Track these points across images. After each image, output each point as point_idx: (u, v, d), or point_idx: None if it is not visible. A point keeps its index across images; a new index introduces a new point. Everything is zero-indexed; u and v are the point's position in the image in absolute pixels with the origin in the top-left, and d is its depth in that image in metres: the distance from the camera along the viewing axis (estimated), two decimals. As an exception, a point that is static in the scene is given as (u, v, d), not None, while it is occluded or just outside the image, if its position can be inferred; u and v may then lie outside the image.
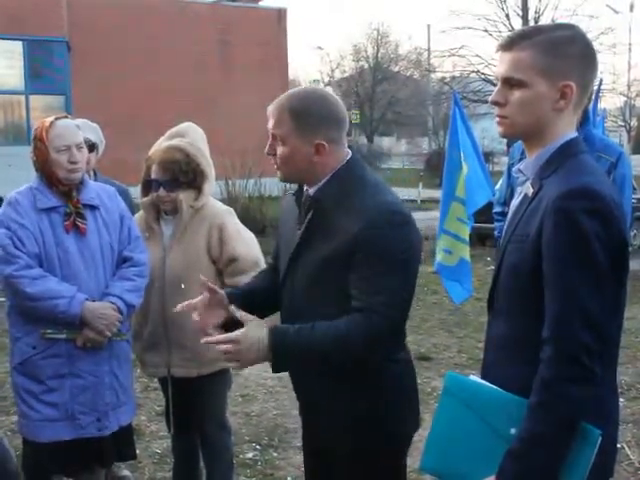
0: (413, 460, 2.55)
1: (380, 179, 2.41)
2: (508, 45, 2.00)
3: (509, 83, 1.99)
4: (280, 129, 2.31)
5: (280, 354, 2.22)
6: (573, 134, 2.02)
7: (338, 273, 2.24)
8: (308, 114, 2.29)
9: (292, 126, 2.29)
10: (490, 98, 2.06)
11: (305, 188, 2.44)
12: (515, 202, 2.14)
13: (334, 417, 2.41)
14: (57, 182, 3.27)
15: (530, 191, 2.02)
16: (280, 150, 2.33)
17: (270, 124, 2.35)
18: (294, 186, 2.56)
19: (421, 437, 2.43)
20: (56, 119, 3.32)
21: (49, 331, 3.21)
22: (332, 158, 2.34)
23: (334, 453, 2.48)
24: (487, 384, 2.04)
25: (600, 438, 1.87)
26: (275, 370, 2.28)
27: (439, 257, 6.65)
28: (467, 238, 6.56)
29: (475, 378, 2.12)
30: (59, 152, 3.24)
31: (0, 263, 3.18)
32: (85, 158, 3.37)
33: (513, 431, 1.92)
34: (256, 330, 2.22)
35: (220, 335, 2.30)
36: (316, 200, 2.35)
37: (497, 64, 2.06)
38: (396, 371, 2.42)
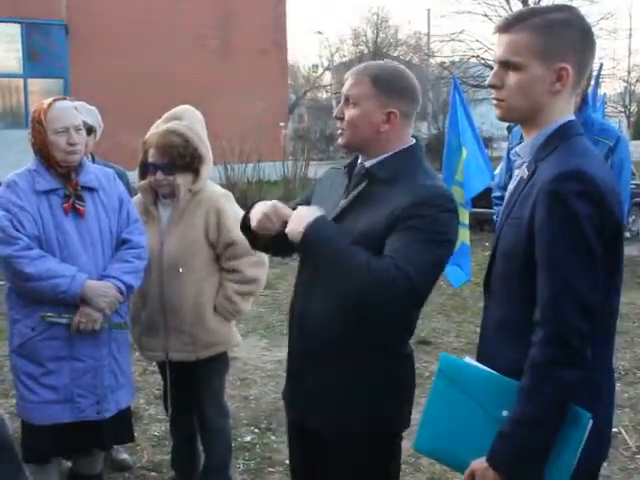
0: (410, 443, 2.55)
1: (434, 170, 2.45)
2: (505, 27, 1.99)
3: (505, 66, 1.99)
4: (357, 90, 2.33)
5: (315, 232, 2.21)
6: (570, 117, 2.02)
7: (375, 244, 2.22)
8: (387, 81, 2.32)
9: (369, 89, 2.31)
10: (487, 81, 2.06)
11: (359, 161, 2.44)
12: (511, 185, 2.14)
13: (329, 399, 2.41)
14: (55, 164, 3.26)
15: (526, 174, 2.02)
16: (350, 112, 2.34)
17: (346, 86, 2.37)
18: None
19: (416, 419, 2.44)
20: (54, 101, 3.31)
21: (50, 314, 3.21)
22: (399, 133, 2.37)
23: (324, 434, 2.48)
24: (480, 366, 2.05)
25: (591, 421, 1.88)
26: (304, 244, 2.23)
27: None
28: (467, 222, 6.57)
29: (469, 360, 2.12)
30: (57, 134, 3.23)
31: (0, 244, 3.18)
32: (84, 140, 3.36)
33: (505, 413, 1.93)
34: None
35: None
36: (371, 172, 2.36)
37: (495, 47, 2.05)
38: (397, 367, 2.43)
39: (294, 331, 2.56)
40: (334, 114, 2.42)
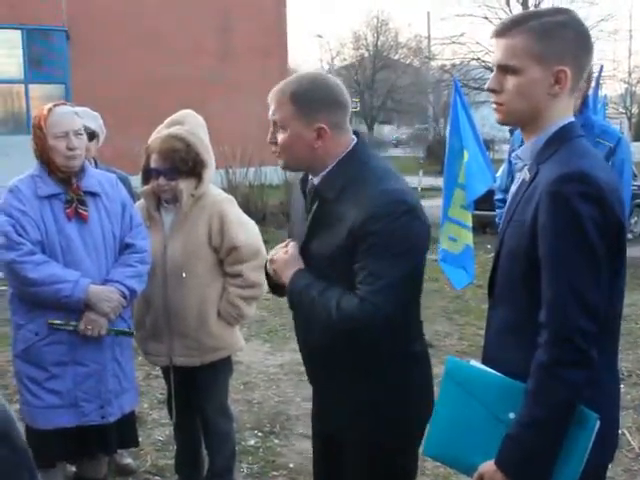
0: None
1: (386, 165, 2.36)
2: (502, 31, 2.00)
3: (504, 70, 1.99)
4: (280, 114, 2.28)
5: (291, 296, 2.38)
6: (569, 119, 2.02)
7: (344, 265, 2.23)
8: (308, 97, 2.25)
9: (292, 110, 2.25)
10: (486, 85, 2.06)
11: (310, 177, 2.41)
12: (513, 188, 2.15)
13: (347, 405, 2.40)
14: (56, 169, 3.27)
15: (527, 176, 2.03)
16: (281, 137, 2.29)
17: (270, 111, 2.31)
18: (297, 174, 2.56)
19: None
20: (54, 106, 3.32)
21: (57, 321, 3.22)
22: (335, 144, 2.30)
23: (345, 441, 2.47)
24: (487, 369, 2.06)
25: (598, 422, 1.89)
26: (289, 304, 2.44)
27: (444, 245, 6.67)
28: (470, 224, 6.58)
29: (475, 363, 2.13)
30: (57, 138, 3.24)
31: (3, 249, 3.18)
32: (84, 145, 3.36)
33: (512, 415, 1.94)
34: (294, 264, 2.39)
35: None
36: (319, 192, 2.32)
37: (493, 51, 2.06)
38: (409, 365, 2.42)
39: (297, 336, 2.58)
40: (268, 139, 2.36)
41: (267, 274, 2.56)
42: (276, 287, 2.55)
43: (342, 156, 2.31)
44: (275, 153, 2.36)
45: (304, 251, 2.39)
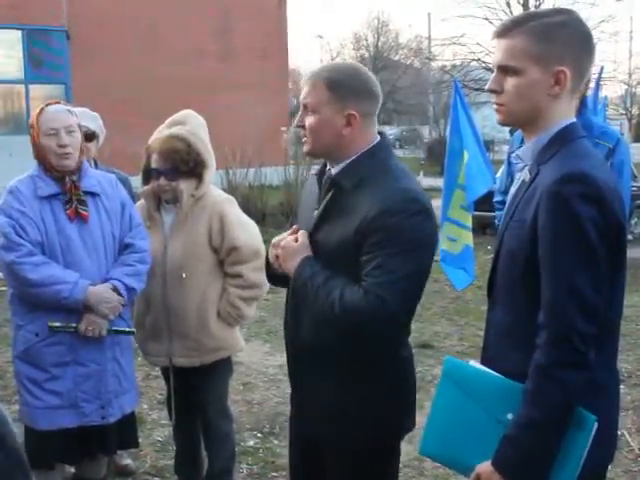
0: (414, 447, 2.56)
1: (403, 166, 2.39)
2: (502, 32, 2.00)
3: (504, 71, 2.00)
4: (313, 97, 2.30)
5: (296, 283, 2.38)
6: (571, 119, 2.03)
7: (350, 257, 2.23)
8: (342, 83, 2.28)
9: (325, 94, 2.28)
10: (486, 86, 2.07)
11: (327, 168, 2.43)
12: (513, 188, 2.15)
13: (328, 406, 2.40)
14: (51, 168, 3.27)
15: (528, 177, 2.03)
16: (310, 120, 2.32)
17: (303, 94, 2.34)
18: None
19: (419, 422, 2.44)
20: (47, 105, 3.32)
21: (57, 324, 3.21)
22: (362, 134, 2.32)
23: (323, 441, 2.48)
24: (485, 369, 2.06)
25: (596, 424, 1.89)
26: (294, 285, 2.43)
27: (444, 245, 6.66)
28: (470, 225, 6.58)
29: (473, 363, 2.13)
30: (48, 136, 3.24)
31: (2, 250, 3.18)
32: (78, 143, 3.32)
33: (510, 416, 1.94)
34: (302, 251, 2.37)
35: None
36: (336, 182, 2.34)
37: (493, 52, 2.06)
38: (395, 368, 2.41)
39: (287, 333, 2.59)
40: (295, 122, 2.38)
41: (267, 261, 2.56)
42: (275, 276, 2.56)
43: (364, 150, 2.34)
44: (303, 138, 2.38)
45: (310, 241, 2.39)
